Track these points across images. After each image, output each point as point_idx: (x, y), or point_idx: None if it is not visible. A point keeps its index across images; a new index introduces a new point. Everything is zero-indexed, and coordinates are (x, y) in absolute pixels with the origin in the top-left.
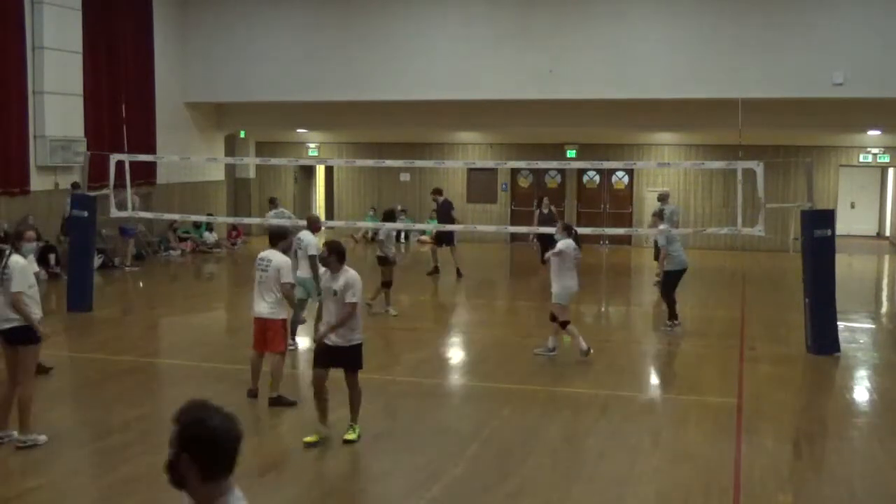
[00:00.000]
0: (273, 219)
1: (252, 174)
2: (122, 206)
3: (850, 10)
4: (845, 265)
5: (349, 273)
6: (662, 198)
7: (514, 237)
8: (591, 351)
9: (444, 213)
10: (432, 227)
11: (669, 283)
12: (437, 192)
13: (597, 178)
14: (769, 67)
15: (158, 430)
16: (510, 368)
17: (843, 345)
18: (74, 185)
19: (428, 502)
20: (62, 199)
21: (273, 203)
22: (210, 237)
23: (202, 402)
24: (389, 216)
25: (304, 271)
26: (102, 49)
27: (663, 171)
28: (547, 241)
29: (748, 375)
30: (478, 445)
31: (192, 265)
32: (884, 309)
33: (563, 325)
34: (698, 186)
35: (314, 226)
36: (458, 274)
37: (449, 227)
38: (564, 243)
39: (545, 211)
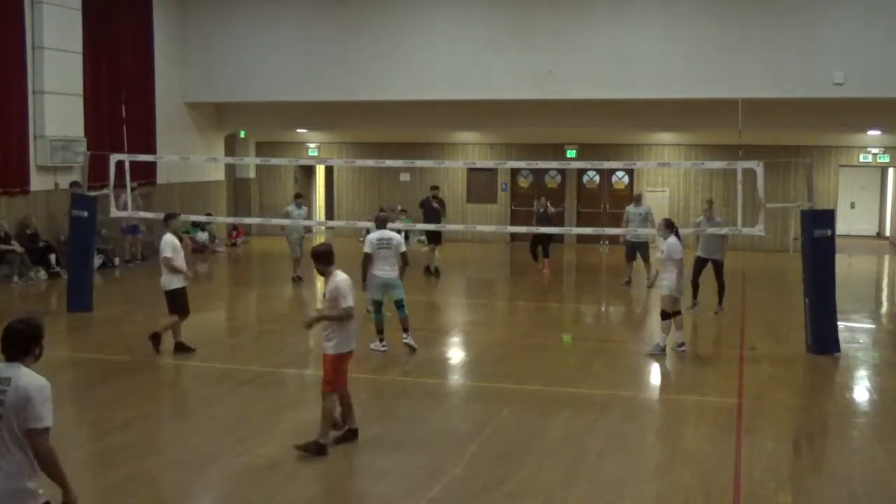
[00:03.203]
0: (295, 214)
1: (252, 174)
2: (125, 206)
3: (850, 10)
4: (845, 265)
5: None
6: (638, 199)
7: (514, 237)
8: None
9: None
10: (433, 226)
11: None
12: (435, 188)
13: (597, 178)
14: (769, 67)
15: (159, 429)
16: (510, 368)
17: (843, 345)
18: (74, 185)
19: (428, 502)
20: (62, 199)
21: (299, 197)
22: (202, 236)
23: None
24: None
25: (392, 271)
26: (102, 49)
27: (663, 171)
28: (540, 240)
29: (748, 375)
30: (478, 445)
31: (191, 265)
32: (884, 309)
33: (666, 316)
34: (698, 186)
35: (385, 222)
36: (435, 272)
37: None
38: (670, 243)
39: (540, 210)
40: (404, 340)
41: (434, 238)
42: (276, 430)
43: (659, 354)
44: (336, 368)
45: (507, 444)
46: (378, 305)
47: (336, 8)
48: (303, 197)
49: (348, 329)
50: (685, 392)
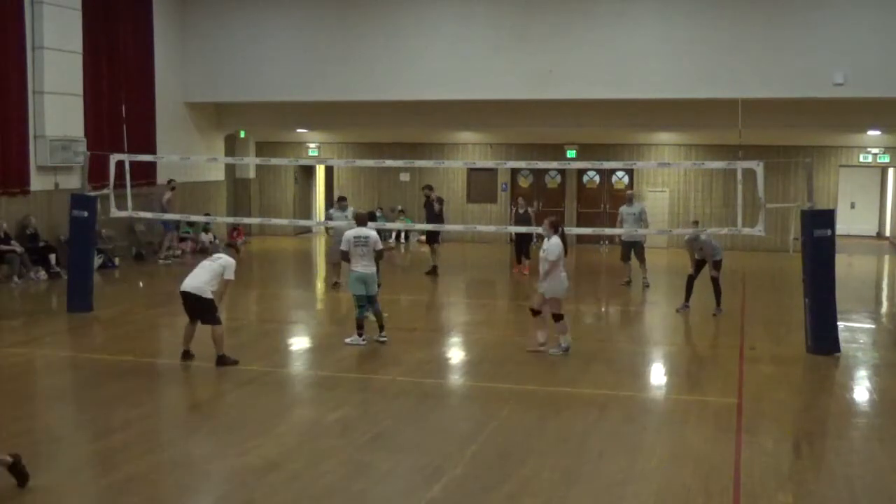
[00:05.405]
0: (337, 216)
1: (252, 174)
2: (156, 204)
3: (851, 10)
4: (845, 265)
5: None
6: (630, 199)
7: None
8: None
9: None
10: (431, 227)
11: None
12: (429, 188)
13: (597, 178)
14: (769, 67)
15: (159, 429)
16: (510, 368)
17: (843, 345)
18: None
19: (428, 502)
20: (62, 199)
21: (343, 200)
22: (204, 237)
23: None
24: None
25: (370, 267)
26: (102, 49)
27: (663, 171)
28: (522, 241)
29: (748, 375)
30: (478, 445)
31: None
32: (884, 309)
33: (559, 317)
34: (698, 186)
35: (365, 220)
36: (433, 270)
37: (434, 227)
38: (553, 243)
39: (521, 211)
40: (378, 338)
41: (429, 238)
42: (276, 430)
43: (563, 354)
44: None
45: (507, 444)
46: (360, 299)
47: (336, 8)
48: (346, 199)
49: None
50: (685, 392)
